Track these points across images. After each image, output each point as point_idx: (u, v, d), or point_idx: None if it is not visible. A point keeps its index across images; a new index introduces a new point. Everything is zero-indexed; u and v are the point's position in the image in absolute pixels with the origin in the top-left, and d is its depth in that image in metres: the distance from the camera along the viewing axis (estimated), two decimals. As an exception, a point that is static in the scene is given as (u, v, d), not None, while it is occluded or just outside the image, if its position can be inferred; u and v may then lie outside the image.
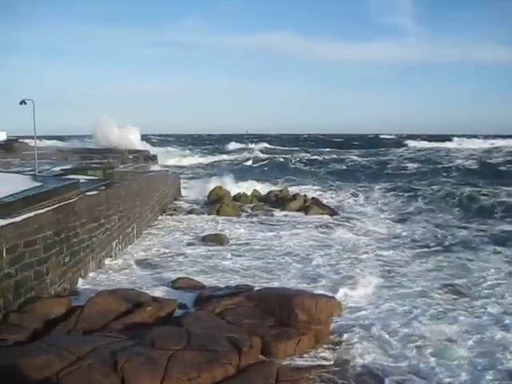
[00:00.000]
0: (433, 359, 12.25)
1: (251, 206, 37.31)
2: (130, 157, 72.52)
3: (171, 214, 33.77)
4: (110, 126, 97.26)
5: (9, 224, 12.64)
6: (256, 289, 15.43)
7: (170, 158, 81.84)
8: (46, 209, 15.00)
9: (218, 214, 33.83)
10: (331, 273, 19.71)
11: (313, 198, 39.42)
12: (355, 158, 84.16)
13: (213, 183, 42.40)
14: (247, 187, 44.23)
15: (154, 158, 74.10)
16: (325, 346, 12.77)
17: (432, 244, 25.88)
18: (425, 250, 24.59)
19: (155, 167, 54.16)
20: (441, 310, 15.80)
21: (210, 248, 23.49)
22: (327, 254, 23.06)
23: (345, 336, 13.37)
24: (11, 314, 12.22)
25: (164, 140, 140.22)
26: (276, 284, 17.68)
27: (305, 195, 39.88)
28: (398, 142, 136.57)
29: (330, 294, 15.18)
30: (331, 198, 43.97)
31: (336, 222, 31.56)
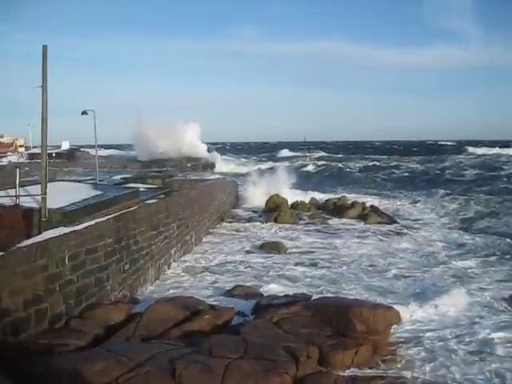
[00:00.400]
0: (501, 375, 11.68)
1: (309, 214, 37.15)
2: (189, 165, 73.36)
3: (229, 222, 33.95)
4: (154, 127, 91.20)
5: (71, 232, 12.93)
6: (313, 298, 15.30)
7: (227, 166, 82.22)
8: (106, 217, 15.29)
9: (275, 221, 33.83)
10: (399, 283, 19.30)
11: (371, 206, 38.99)
12: (414, 164, 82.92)
13: (271, 190, 42.29)
14: (305, 195, 44.09)
15: (212, 166, 74.56)
16: (383, 357, 12.52)
17: (498, 252, 24.95)
18: (492, 258, 23.68)
19: (213, 175, 54.51)
20: (513, 321, 15.14)
21: (269, 256, 23.45)
22: (392, 263, 22.52)
23: (405, 347, 13.08)
24: (73, 319, 12.47)
25: (221, 148, 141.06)
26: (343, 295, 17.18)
27: (363, 203, 39.42)
28: (458, 148, 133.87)
29: (389, 304, 14.80)
30: (390, 205, 43.32)
31: (396, 230, 31.06)
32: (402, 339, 13.60)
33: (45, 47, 14.23)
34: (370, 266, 22.05)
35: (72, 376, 9.48)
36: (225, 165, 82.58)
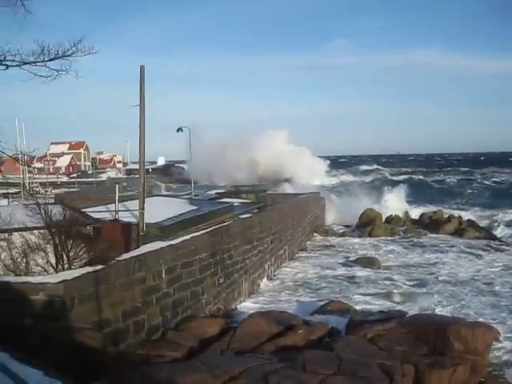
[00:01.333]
0: None
1: (404, 228, 36.49)
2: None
3: (323, 236, 33.86)
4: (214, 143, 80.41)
5: (167, 246, 13.26)
6: (409, 315, 14.94)
7: (317, 179, 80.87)
8: (201, 231, 15.58)
9: (369, 236, 33.50)
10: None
11: (468, 220, 37.85)
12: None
13: (362, 204, 41.75)
14: (400, 209, 43.24)
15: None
16: (482, 378, 11.97)
17: None
18: None
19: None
20: None
21: (363, 270, 23.17)
22: (510, 282, 21.13)
23: (506, 370, 12.48)
24: (169, 331, 12.75)
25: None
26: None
27: (460, 217, 38.35)
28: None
29: (488, 323, 14.23)
30: (487, 219, 41.62)
31: (497, 246, 29.91)
32: (503, 361, 12.96)
33: (142, 68, 14.74)
34: (485, 283, 20.91)
35: (169, 387, 9.66)
36: (314, 178, 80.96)
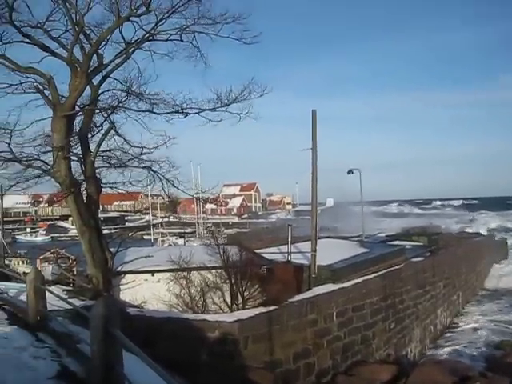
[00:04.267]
0: None
1: None
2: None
3: (499, 280, 32.13)
4: None
5: (339, 289, 13.30)
6: None
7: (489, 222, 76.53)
8: (373, 275, 15.44)
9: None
10: None
11: None
12: None
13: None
14: None
15: None
16: None
17: None
18: None
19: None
20: None
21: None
22: None
23: None
24: (339, 375, 12.67)
25: (475, 204, 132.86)
26: None
27: None
28: None
29: None
30: None
31: None
32: None
33: (314, 112, 15.15)
34: None
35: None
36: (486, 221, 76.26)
